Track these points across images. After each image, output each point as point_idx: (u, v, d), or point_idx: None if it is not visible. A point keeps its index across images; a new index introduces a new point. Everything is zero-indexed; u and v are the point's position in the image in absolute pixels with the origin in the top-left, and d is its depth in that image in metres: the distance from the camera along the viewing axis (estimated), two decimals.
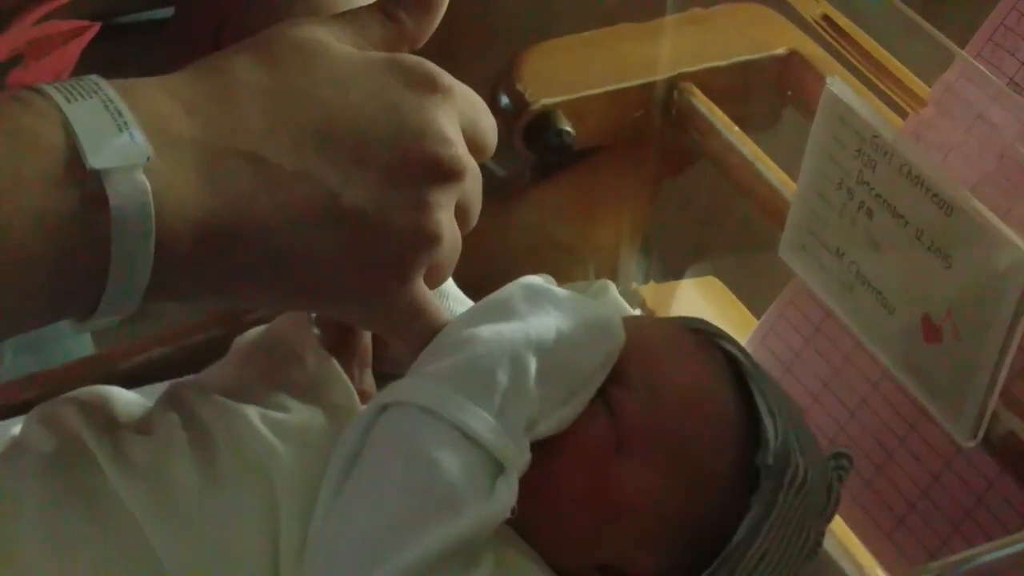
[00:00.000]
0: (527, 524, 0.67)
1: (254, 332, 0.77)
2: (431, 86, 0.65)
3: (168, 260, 0.59)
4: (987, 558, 0.58)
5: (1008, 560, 0.58)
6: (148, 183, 0.57)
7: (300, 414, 0.70)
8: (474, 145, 0.67)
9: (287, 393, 0.72)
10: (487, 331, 0.68)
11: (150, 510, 0.66)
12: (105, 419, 0.71)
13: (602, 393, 0.70)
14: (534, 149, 0.99)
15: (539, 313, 0.70)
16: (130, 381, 0.80)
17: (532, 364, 0.67)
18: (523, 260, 0.99)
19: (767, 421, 0.71)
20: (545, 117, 0.98)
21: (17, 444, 0.71)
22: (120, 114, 0.58)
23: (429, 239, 0.64)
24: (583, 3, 1.21)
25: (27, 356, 0.98)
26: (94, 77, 0.60)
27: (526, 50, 1.02)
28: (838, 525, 0.84)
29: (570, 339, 0.69)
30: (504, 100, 1.00)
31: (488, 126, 0.68)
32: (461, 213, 0.67)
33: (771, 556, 0.70)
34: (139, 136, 0.58)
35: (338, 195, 0.62)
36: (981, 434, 0.75)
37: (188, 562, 0.66)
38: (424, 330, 0.68)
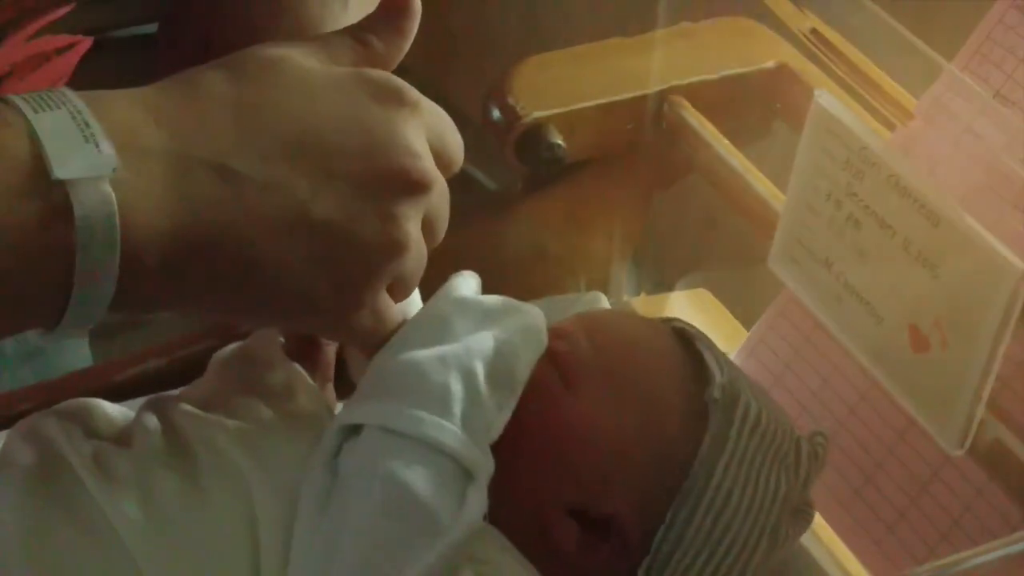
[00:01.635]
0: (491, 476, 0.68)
1: (229, 348, 0.78)
2: (398, 100, 0.65)
3: (135, 271, 0.59)
4: (974, 562, 0.59)
5: (994, 565, 0.59)
6: (114, 194, 0.57)
7: (275, 425, 0.71)
8: (441, 160, 0.67)
9: (263, 404, 0.72)
10: (429, 348, 0.69)
11: (133, 523, 0.66)
12: (86, 431, 0.71)
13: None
14: (526, 162, 0.99)
15: (474, 324, 0.71)
16: (126, 393, 0.80)
17: (480, 372, 0.68)
18: (515, 272, 0.99)
19: (713, 365, 0.74)
20: (537, 130, 0.98)
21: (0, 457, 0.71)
22: (87, 125, 0.58)
23: (396, 250, 0.65)
24: (574, 17, 1.22)
25: (26, 367, 0.99)
26: (63, 88, 0.60)
27: (518, 64, 1.03)
28: (827, 533, 0.85)
29: (507, 346, 0.70)
30: (496, 113, 1.00)
31: (455, 142, 0.69)
32: (428, 226, 0.68)
33: (737, 499, 0.71)
34: (106, 147, 0.58)
35: (307, 206, 0.62)
36: (968, 443, 0.76)
37: (170, 573, 0.66)
38: (385, 341, 0.69)
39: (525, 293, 0.82)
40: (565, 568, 0.71)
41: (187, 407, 0.72)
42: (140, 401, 0.77)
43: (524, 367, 0.71)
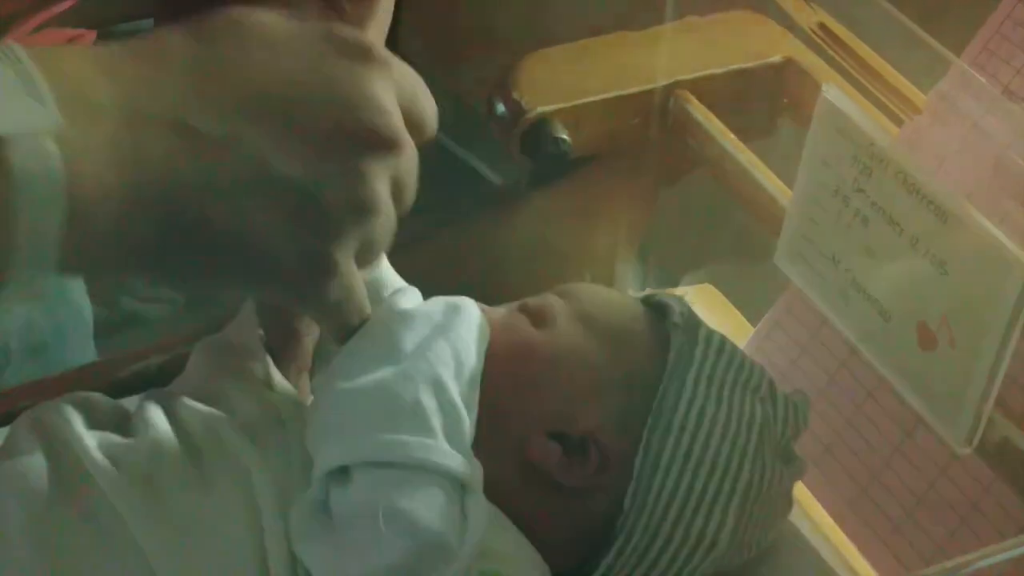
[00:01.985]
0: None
1: (209, 339, 0.78)
2: (365, 56, 0.63)
3: (85, 229, 0.57)
4: (982, 564, 0.59)
5: (1003, 566, 0.58)
6: (57, 150, 0.55)
7: (264, 416, 0.71)
8: (412, 122, 0.65)
9: (249, 394, 0.73)
10: (389, 367, 0.68)
11: (141, 513, 0.66)
12: (91, 424, 0.71)
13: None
14: (531, 157, 0.99)
15: (425, 335, 0.70)
16: (128, 389, 0.80)
17: (447, 380, 0.68)
18: (520, 267, 0.99)
19: (671, 302, 0.77)
20: (542, 125, 0.98)
21: (3, 450, 0.71)
22: (33, 82, 0.56)
23: (363, 210, 0.62)
24: (580, 12, 1.21)
25: (31, 363, 0.98)
26: (12, 44, 0.58)
27: (523, 58, 1.02)
28: (835, 532, 0.85)
29: (462, 344, 0.70)
30: (501, 108, 1.00)
31: (428, 105, 0.66)
32: (397, 191, 0.65)
33: (711, 417, 0.73)
34: (50, 103, 0.56)
35: (268, 163, 0.60)
36: (976, 441, 0.76)
37: (178, 563, 0.66)
38: (352, 313, 0.67)
39: (530, 288, 0.82)
40: (557, 500, 0.72)
41: (186, 400, 0.72)
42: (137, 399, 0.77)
43: (479, 360, 0.71)
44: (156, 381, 0.82)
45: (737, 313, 1.03)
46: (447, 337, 0.70)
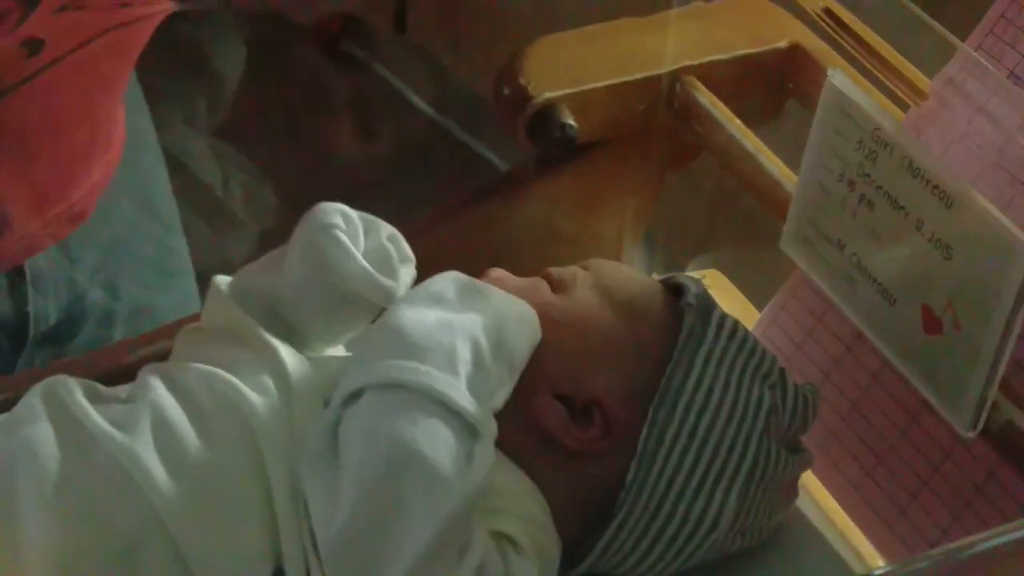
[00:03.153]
0: None
1: (190, 326, 0.80)
2: None
3: None
4: (986, 546, 0.59)
5: (1007, 548, 0.59)
6: None
7: (259, 365, 0.72)
8: None
9: (243, 350, 0.74)
10: (434, 314, 0.70)
11: (148, 471, 0.68)
12: (92, 396, 0.73)
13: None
14: (537, 142, 0.99)
15: (471, 298, 0.72)
16: (134, 375, 0.80)
17: (484, 343, 0.70)
18: (526, 253, 0.99)
19: (688, 283, 0.78)
20: (548, 110, 0.98)
21: (12, 415, 0.72)
22: None
23: None
24: None
25: (48, 349, 0.99)
26: None
27: (530, 44, 1.02)
28: (839, 515, 0.85)
29: (507, 324, 0.72)
30: (507, 93, 1.00)
31: None
32: None
33: (719, 399, 0.74)
34: None
35: None
36: (981, 424, 0.76)
37: (187, 513, 0.68)
38: None
39: (536, 273, 0.82)
40: (559, 470, 0.73)
41: (181, 364, 0.74)
42: None
43: (523, 351, 0.72)
44: None
45: (743, 298, 1.04)
46: (494, 309, 0.72)
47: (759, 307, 0.96)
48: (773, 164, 0.94)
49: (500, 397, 0.70)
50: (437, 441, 0.65)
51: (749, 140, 0.96)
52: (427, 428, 0.65)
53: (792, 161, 0.91)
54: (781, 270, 0.91)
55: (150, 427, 0.69)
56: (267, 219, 1.89)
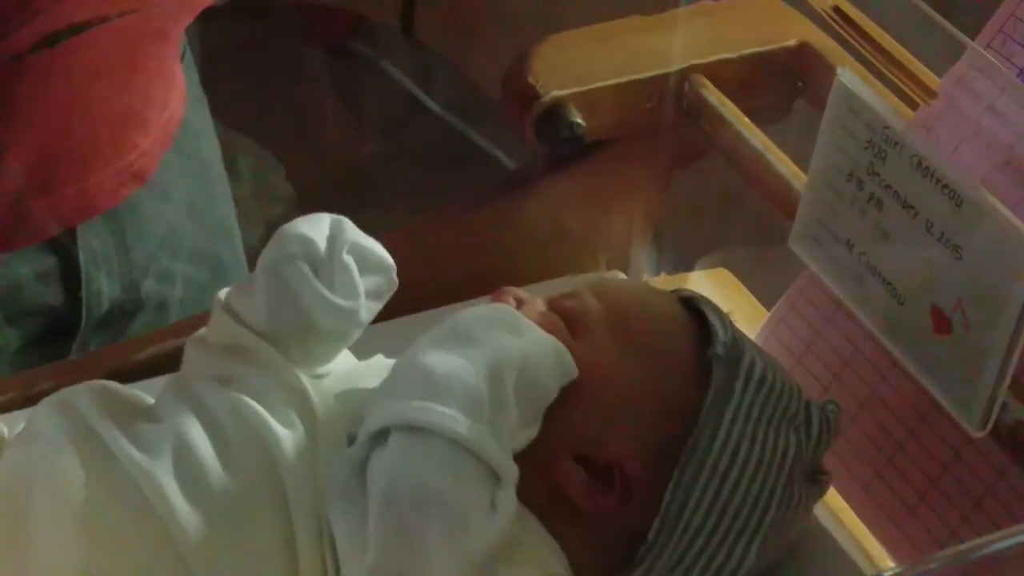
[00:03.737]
0: None
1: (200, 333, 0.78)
2: None
3: None
4: (995, 547, 0.59)
5: (1016, 549, 0.58)
6: None
7: (282, 392, 0.72)
8: None
9: (265, 375, 0.73)
10: (461, 352, 0.69)
11: (166, 495, 0.67)
12: (116, 410, 0.72)
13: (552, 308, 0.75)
14: (545, 141, 0.99)
15: (500, 337, 0.70)
16: (144, 373, 0.80)
17: (509, 384, 0.68)
18: (534, 252, 0.99)
19: (717, 325, 0.75)
20: (556, 109, 0.98)
21: (29, 428, 0.72)
22: None
23: None
24: None
25: (104, 334, 0.99)
26: None
27: (538, 43, 1.02)
28: (848, 515, 0.85)
29: (534, 361, 0.70)
30: (515, 92, 1.00)
31: None
32: None
33: (744, 457, 0.72)
34: None
35: None
36: (991, 424, 0.76)
37: (206, 542, 0.67)
38: None
39: (544, 273, 0.82)
40: (579, 525, 0.72)
41: (207, 383, 0.72)
42: (156, 381, 0.77)
43: (551, 391, 0.71)
44: (173, 365, 0.82)
45: (751, 297, 1.03)
46: (522, 343, 0.70)
47: (767, 306, 0.96)
48: (782, 163, 0.94)
49: (523, 439, 0.69)
50: (461, 488, 0.65)
51: (758, 139, 0.95)
52: (451, 474, 0.65)
53: (801, 160, 0.90)
54: (790, 269, 0.91)
55: (172, 451, 0.69)
56: (275, 212, 1.89)
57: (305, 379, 0.73)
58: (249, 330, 0.74)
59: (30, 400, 0.80)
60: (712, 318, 0.76)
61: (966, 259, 0.75)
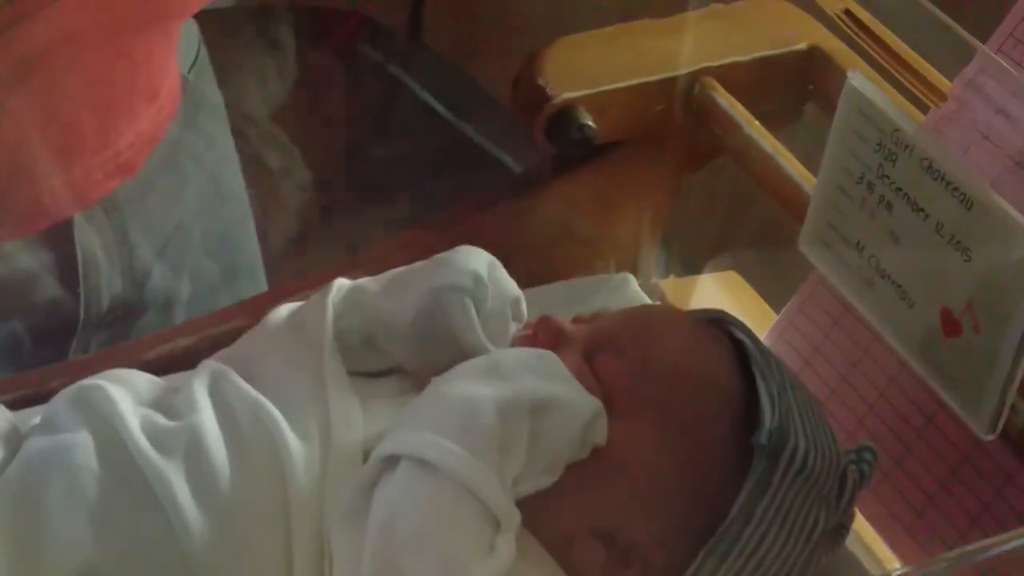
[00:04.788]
0: None
1: (287, 308, 0.78)
2: None
3: None
4: (1004, 548, 0.59)
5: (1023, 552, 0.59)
6: None
7: (307, 400, 0.71)
8: None
9: (307, 382, 0.73)
10: (486, 392, 0.68)
11: (178, 499, 0.67)
12: (133, 398, 0.72)
13: (590, 361, 0.72)
14: (555, 143, 0.99)
15: (528, 378, 0.70)
16: (155, 371, 0.80)
17: (525, 425, 0.68)
18: (544, 254, 0.99)
19: (765, 403, 0.72)
20: (566, 111, 0.98)
21: (45, 423, 0.72)
22: None
23: None
24: None
25: (105, 333, 0.99)
26: None
27: (548, 45, 1.03)
28: (856, 517, 0.85)
29: (562, 412, 0.69)
30: (525, 94, 1.00)
31: None
32: None
33: (771, 540, 0.70)
34: None
35: None
36: (1000, 427, 0.76)
37: (207, 545, 0.67)
38: None
39: (554, 274, 0.83)
40: None
41: (234, 379, 0.72)
42: (175, 378, 0.77)
43: (571, 436, 0.69)
44: (183, 364, 0.82)
45: (760, 300, 1.03)
46: (550, 392, 0.69)
47: (776, 309, 0.96)
48: (791, 166, 0.94)
49: (532, 486, 0.68)
50: (460, 531, 0.64)
51: (767, 142, 0.96)
52: (451, 517, 0.65)
53: (810, 163, 0.91)
54: (799, 272, 0.91)
55: (184, 450, 0.69)
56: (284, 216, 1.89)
57: (336, 398, 0.72)
58: (340, 326, 0.75)
59: (42, 397, 0.81)
60: (763, 392, 0.73)
61: (976, 262, 0.75)
